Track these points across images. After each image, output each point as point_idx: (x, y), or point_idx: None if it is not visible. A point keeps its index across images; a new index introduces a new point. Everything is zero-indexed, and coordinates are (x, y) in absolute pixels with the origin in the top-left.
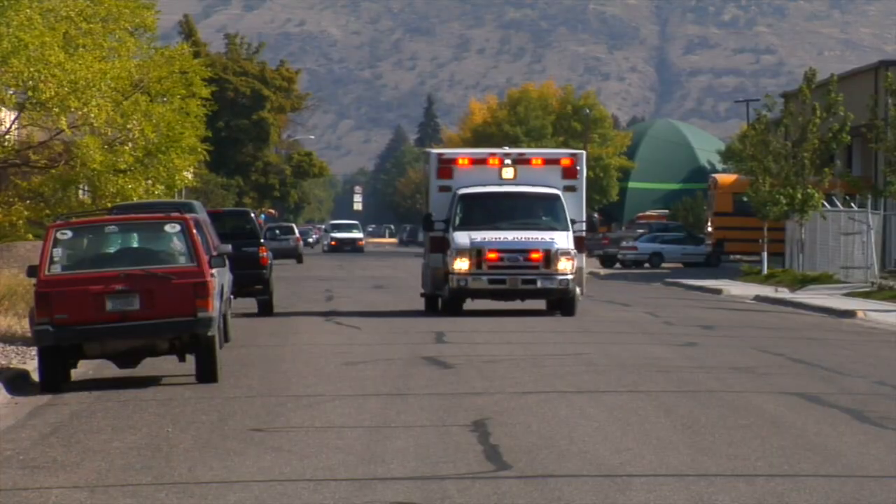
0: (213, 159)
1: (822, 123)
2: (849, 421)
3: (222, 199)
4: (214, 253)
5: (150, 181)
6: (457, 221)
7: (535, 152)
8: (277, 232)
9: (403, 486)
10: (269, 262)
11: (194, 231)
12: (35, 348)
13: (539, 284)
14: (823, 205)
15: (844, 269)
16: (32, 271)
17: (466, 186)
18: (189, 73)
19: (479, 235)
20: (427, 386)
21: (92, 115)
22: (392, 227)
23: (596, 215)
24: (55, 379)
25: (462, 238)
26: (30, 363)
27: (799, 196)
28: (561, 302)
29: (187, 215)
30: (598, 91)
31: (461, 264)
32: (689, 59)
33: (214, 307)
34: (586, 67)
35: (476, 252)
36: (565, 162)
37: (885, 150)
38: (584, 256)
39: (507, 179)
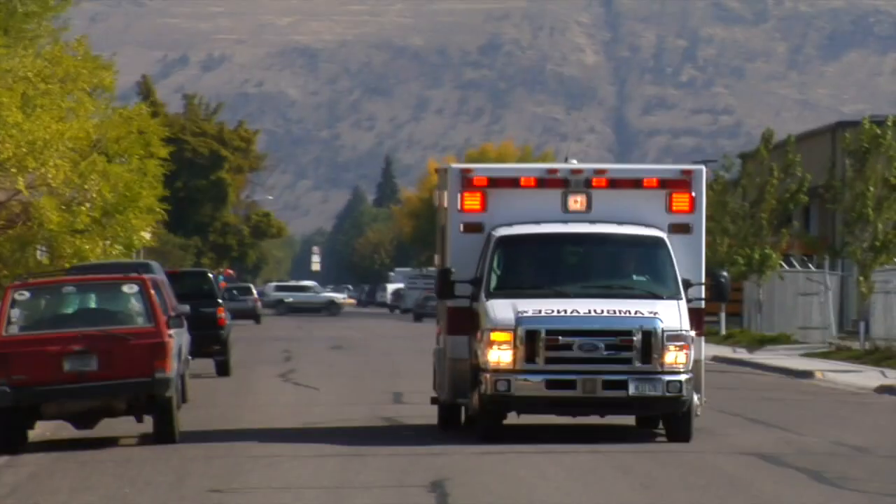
0: (171, 219)
1: (780, 184)
2: (807, 481)
3: (180, 259)
4: (172, 313)
5: (107, 241)
6: (493, 282)
7: (623, 168)
8: (235, 292)
9: None
10: (227, 322)
11: (152, 291)
12: None
13: (633, 390)
14: (781, 265)
15: (802, 329)
16: None
17: (508, 224)
18: (147, 133)
19: (531, 306)
20: (385, 446)
21: (49, 175)
22: (350, 287)
23: (725, 273)
24: (13, 440)
25: (503, 310)
26: None
27: (757, 256)
28: (670, 419)
29: (145, 276)
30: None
31: (501, 354)
32: (646, 120)
33: (172, 368)
34: (545, 128)
35: (527, 334)
36: (675, 183)
37: (843, 211)
38: (702, 342)
39: (577, 211)
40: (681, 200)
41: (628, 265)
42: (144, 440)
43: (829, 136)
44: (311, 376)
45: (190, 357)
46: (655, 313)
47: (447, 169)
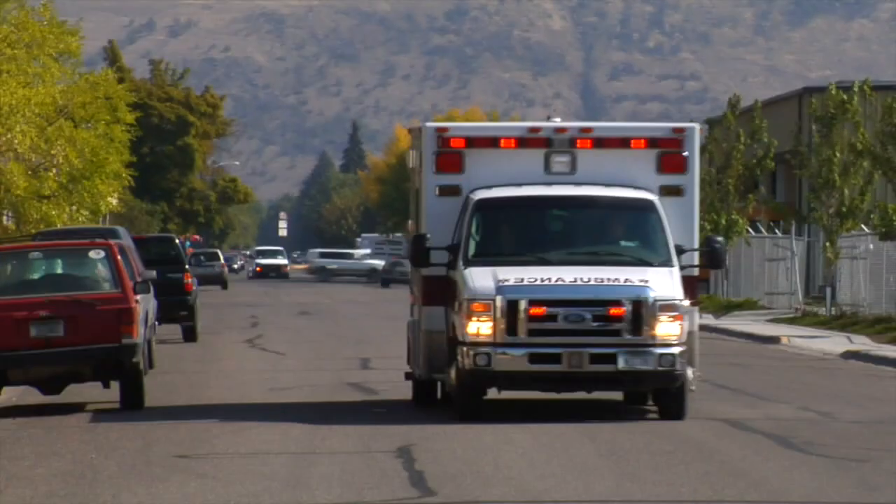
0: (137, 185)
1: (747, 150)
2: (773, 447)
3: (147, 225)
4: (139, 279)
5: (74, 207)
6: (472, 249)
7: (610, 127)
8: (202, 258)
9: None
10: (194, 288)
11: (119, 257)
12: None
13: (622, 364)
14: (748, 231)
15: (769, 295)
16: None
17: (488, 187)
18: (114, 98)
19: (513, 274)
20: (352, 411)
21: (16, 140)
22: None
23: (720, 239)
24: None
25: (482, 279)
26: None
27: (723, 222)
28: (662, 395)
29: (112, 241)
30: (523, 117)
31: (481, 326)
32: (613, 86)
33: (139, 333)
34: (511, 93)
35: (508, 305)
36: (664, 143)
37: (809, 177)
38: (696, 312)
39: (561, 173)
40: (672, 161)
41: (617, 230)
42: (111, 406)
43: (796, 102)
44: (277, 342)
45: (157, 323)
46: (646, 281)
47: (421, 128)
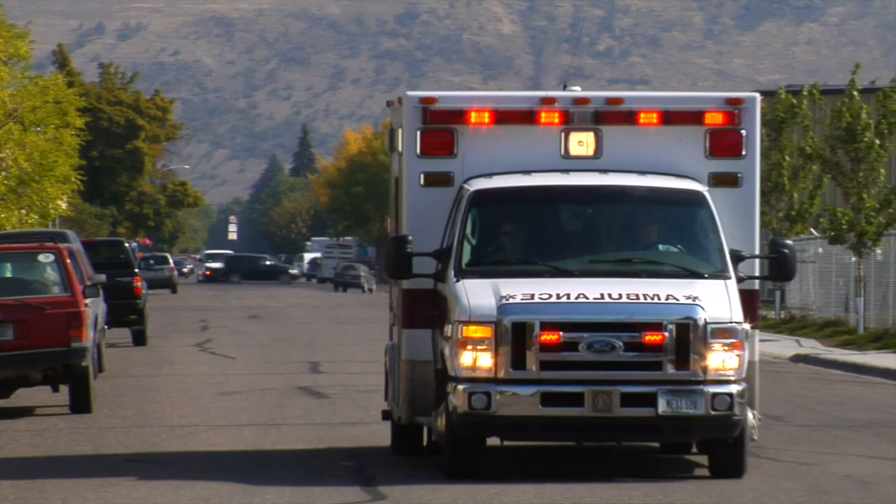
0: (87, 189)
1: None
2: None
3: (96, 228)
4: (89, 283)
5: (23, 210)
6: (466, 255)
7: (646, 97)
8: (152, 262)
9: None
10: (144, 292)
11: (68, 261)
12: None
13: (664, 407)
14: None
15: None
16: None
17: (488, 175)
18: (63, 102)
19: (521, 288)
20: (302, 416)
21: None
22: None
23: (789, 242)
24: None
25: (480, 295)
26: None
27: None
28: (714, 446)
29: (61, 245)
30: None
31: (478, 357)
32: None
33: (89, 337)
34: None
35: (514, 328)
36: (714, 118)
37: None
38: (756, 338)
39: (582, 157)
40: (726, 141)
41: (655, 232)
42: (60, 410)
43: None
44: (227, 346)
45: (106, 326)
46: (695, 298)
47: (402, 98)
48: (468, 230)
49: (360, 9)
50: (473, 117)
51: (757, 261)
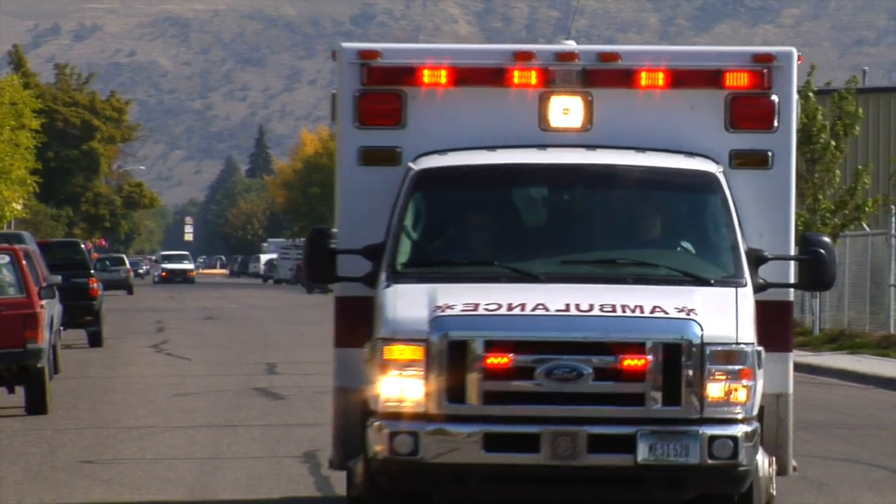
0: (42, 190)
1: None
2: None
3: (52, 229)
4: (44, 284)
5: None
6: (404, 253)
7: (648, 52)
8: (108, 263)
9: None
10: (100, 293)
11: (24, 262)
12: None
13: (645, 454)
14: None
15: None
16: None
17: (442, 152)
18: (19, 104)
19: (464, 296)
20: (258, 417)
21: None
22: (223, 257)
23: (826, 239)
24: None
25: (410, 304)
26: None
27: None
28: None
29: (17, 246)
30: None
31: (404, 386)
32: None
33: (44, 338)
34: None
35: (450, 349)
36: (737, 79)
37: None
38: (790, 361)
39: (565, 129)
40: (752, 110)
41: (650, 224)
42: (16, 411)
43: None
44: (183, 347)
45: (62, 328)
46: (691, 311)
47: (338, 52)
48: (408, 221)
49: (316, 9)
50: (427, 76)
51: (792, 264)
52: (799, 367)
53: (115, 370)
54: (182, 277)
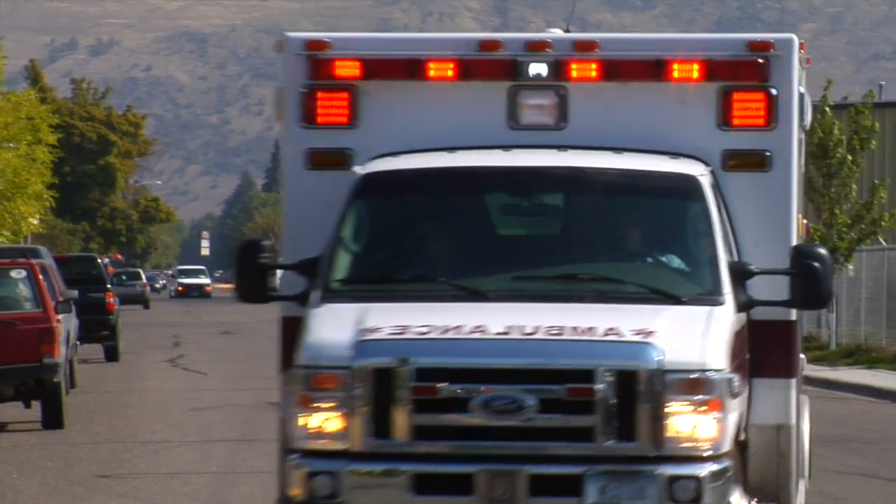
0: (59, 205)
1: None
2: None
3: (68, 244)
4: (61, 299)
5: None
6: (340, 269)
7: (630, 40)
8: (124, 277)
9: None
10: (116, 307)
11: (40, 277)
12: None
13: (594, 497)
14: None
15: None
16: None
17: (394, 154)
18: (36, 119)
19: (394, 318)
20: (274, 432)
21: None
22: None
23: (822, 251)
24: None
25: (332, 326)
26: None
27: None
28: None
29: (33, 261)
30: None
31: (324, 420)
32: None
33: (61, 353)
34: None
35: (375, 377)
36: (731, 70)
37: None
38: (793, 386)
39: (538, 125)
40: (747, 104)
41: (621, 235)
42: (32, 426)
43: None
44: (199, 362)
45: (78, 342)
46: (650, 334)
47: (283, 42)
48: (348, 232)
49: (332, 24)
50: (382, 70)
51: (788, 278)
52: (815, 382)
53: (132, 384)
54: (198, 292)
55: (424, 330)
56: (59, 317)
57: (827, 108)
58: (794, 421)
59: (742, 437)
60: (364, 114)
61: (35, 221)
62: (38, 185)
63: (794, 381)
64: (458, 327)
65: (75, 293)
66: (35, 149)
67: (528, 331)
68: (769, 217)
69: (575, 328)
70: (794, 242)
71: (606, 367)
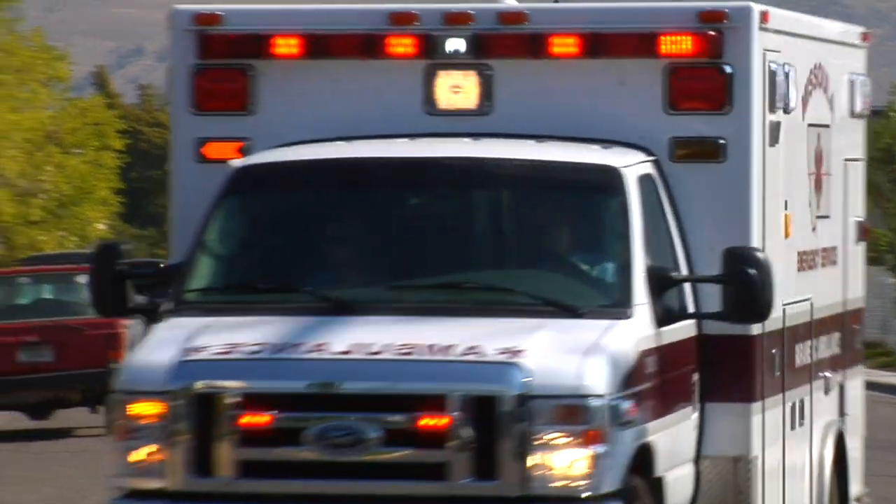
0: (125, 210)
1: None
2: None
3: (135, 250)
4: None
5: (62, 233)
6: (198, 276)
7: (561, 9)
8: None
9: None
10: None
11: None
12: None
13: None
14: None
15: None
16: None
17: (289, 145)
18: (102, 124)
19: (226, 336)
20: None
21: (5, 166)
22: None
23: (760, 255)
24: None
25: (160, 344)
26: None
27: None
28: None
29: None
30: None
31: (142, 453)
32: None
33: None
34: None
35: (198, 403)
36: (678, 44)
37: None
38: (753, 411)
39: (458, 111)
40: (698, 84)
41: (524, 236)
42: (99, 431)
43: None
44: None
45: None
46: (516, 353)
47: (171, 16)
48: (213, 234)
49: None
50: (281, 47)
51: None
52: (881, 388)
53: None
54: None
55: (255, 349)
56: (127, 322)
57: (893, 113)
58: (755, 453)
59: (656, 473)
60: (261, 98)
61: (103, 227)
62: (105, 191)
63: (754, 406)
64: (296, 346)
65: (143, 299)
66: (102, 154)
67: (374, 350)
68: (724, 215)
69: (431, 346)
70: (755, 244)
71: (461, 391)
